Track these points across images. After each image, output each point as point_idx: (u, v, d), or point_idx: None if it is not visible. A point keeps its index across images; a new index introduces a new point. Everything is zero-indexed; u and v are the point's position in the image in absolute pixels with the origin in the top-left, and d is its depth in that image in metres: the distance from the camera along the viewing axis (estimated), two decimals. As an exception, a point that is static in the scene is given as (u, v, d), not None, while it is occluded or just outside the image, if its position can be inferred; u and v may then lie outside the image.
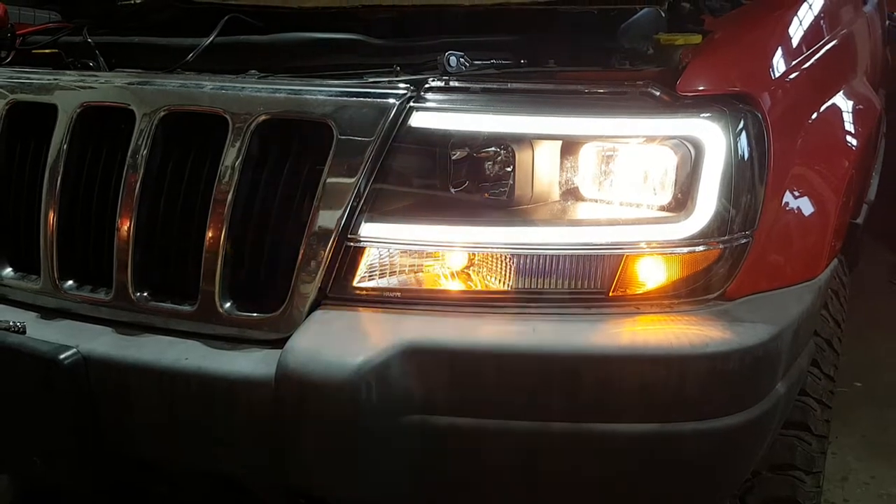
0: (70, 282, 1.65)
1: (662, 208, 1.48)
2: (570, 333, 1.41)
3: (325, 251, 1.46)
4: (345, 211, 1.45)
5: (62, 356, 1.48)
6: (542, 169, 1.50)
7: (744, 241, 1.50)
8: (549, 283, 1.47)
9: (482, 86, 1.51)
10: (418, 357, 1.37)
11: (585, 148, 1.49)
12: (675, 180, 1.46)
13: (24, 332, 1.56)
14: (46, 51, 1.90)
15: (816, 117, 1.80)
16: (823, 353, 1.85)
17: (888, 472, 2.64)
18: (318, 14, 1.79)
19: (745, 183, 1.48)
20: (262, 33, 1.76)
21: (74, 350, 1.50)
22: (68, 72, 1.76)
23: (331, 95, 1.49)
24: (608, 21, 1.56)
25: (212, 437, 1.48)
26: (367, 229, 1.47)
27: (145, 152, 1.56)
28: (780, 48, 1.75)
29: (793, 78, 1.73)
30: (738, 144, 1.47)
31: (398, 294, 1.50)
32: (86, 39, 1.85)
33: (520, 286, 1.48)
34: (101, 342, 1.54)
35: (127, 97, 1.61)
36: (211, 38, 1.72)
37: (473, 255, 1.50)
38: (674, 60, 1.53)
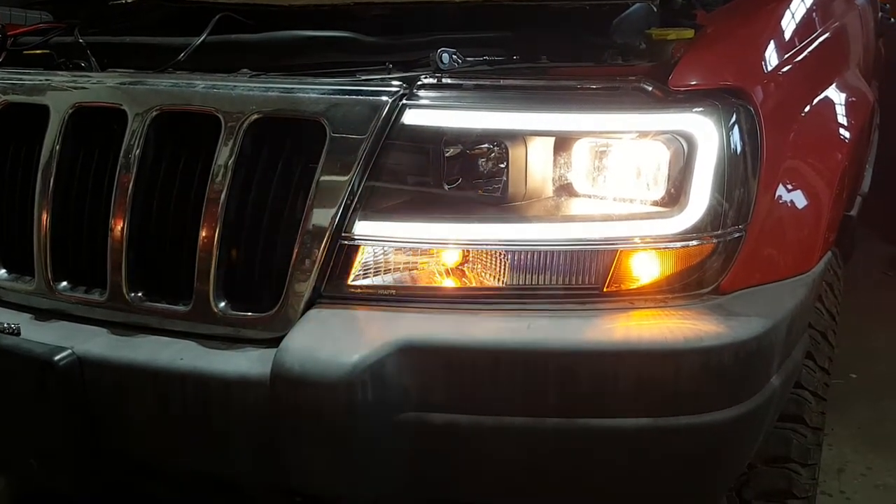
0: (64, 283, 1.65)
1: (656, 203, 1.48)
2: (565, 329, 1.41)
3: (319, 250, 1.45)
4: (338, 209, 1.45)
5: (57, 357, 1.48)
6: (536, 165, 1.50)
7: (737, 234, 1.50)
8: (544, 280, 1.48)
9: (475, 82, 1.50)
10: (414, 355, 1.37)
11: (578, 144, 1.49)
12: (668, 175, 1.47)
13: (18, 334, 1.56)
14: (38, 51, 1.89)
15: (809, 110, 1.80)
16: (818, 346, 1.86)
17: (884, 463, 2.65)
18: (310, 12, 1.79)
19: (738, 177, 1.48)
20: (253, 32, 1.75)
21: (69, 351, 1.50)
22: (60, 72, 1.76)
23: (323, 93, 1.49)
24: (600, 16, 1.56)
25: (207, 437, 1.48)
26: (361, 227, 1.47)
27: (138, 152, 1.56)
28: (772, 42, 1.75)
29: (785, 71, 1.73)
30: (731, 139, 1.47)
31: (393, 292, 1.50)
32: (77, 40, 1.85)
33: (514, 283, 1.48)
34: (95, 343, 1.54)
35: (119, 97, 1.60)
36: (202, 37, 1.71)
37: (468, 251, 1.50)
38: (666, 55, 1.53)
